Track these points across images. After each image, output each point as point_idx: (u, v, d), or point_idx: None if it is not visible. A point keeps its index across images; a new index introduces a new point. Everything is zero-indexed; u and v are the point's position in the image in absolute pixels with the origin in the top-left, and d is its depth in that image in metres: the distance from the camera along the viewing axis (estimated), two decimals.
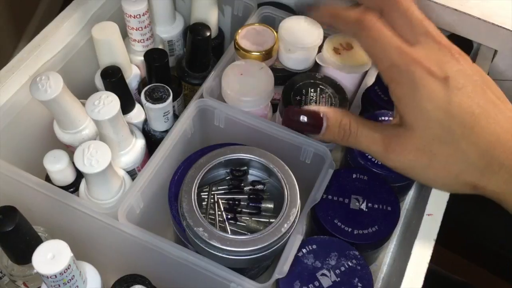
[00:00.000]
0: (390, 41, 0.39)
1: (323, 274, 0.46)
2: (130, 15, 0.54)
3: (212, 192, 0.46)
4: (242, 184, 0.47)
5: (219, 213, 0.45)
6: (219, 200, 0.46)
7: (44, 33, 0.52)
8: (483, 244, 0.80)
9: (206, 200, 0.46)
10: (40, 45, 0.52)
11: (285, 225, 0.42)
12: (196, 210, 0.42)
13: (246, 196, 0.46)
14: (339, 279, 0.45)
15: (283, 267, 0.42)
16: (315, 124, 0.44)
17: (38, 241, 0.43)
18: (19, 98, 0.49)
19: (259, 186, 0.46)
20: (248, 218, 0.45)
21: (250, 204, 0.45)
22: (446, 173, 0.39)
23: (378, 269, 0.56)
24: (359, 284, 0.45)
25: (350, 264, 0.46)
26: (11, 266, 0.44)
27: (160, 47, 0.60)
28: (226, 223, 0.45)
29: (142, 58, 0.55)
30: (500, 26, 0.53)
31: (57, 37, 0.53)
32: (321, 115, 0.43)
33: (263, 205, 0.45)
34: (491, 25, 0.53)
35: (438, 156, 0.38)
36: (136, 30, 0.55)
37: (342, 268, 0.46)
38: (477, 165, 0.38)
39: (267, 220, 0.45)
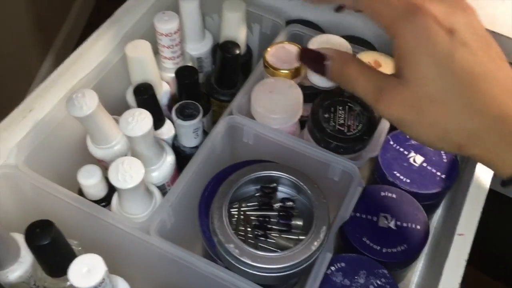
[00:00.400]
0: None
1: None
2: (162, 33, 0.55)
3: (242, 209, 0.47)
4: (272, 201, 0.47)
5: (249, 229, 0.45)
6: (249, 216, 0.46)
7: (79, 50, 0.54)
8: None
9: (236, 216, 0.46)
10: (75, 62, 0.53)
11: (315, 243, 0.42)
12: (227, 226, 0.42)
13: (276, 213, 0.46)
14: None
15: (312, 285, 0.42)
16: (318, 68, 0.44)
17: (72, 254, 0.43)
18: (55, 114, 0.51)
19: (289, 203, 0.46)
20: (277, 235, 0.46)
21: (280, 221, 0.46)
22: (433, 131, 0.38)
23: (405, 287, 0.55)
24: None
25: (379, 283, 0.46)
26: (45, 278, 0.45)
27: (190, 64, 0.61)
28: (256, 240, 0.45)
29: (172, 75, 0.56)
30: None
31: (91, 55, 0.54)
32: (325, 59, 0.43)
33: (293, 222, 0.46)
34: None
35: (427, 114, 0.37)
36: (167, 48, 0.57)
37: (371, 287, 0.46)
38: (467, 126, 0.36)
39: (297, 237, 0.45)
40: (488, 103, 0.36)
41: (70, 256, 0.43)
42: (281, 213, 0.46)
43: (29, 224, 0.41)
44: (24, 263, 0.46)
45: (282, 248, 0.44)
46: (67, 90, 0.52)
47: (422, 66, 0.36)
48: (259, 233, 0.45)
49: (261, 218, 0.46)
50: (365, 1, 0.39)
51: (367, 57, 0.55)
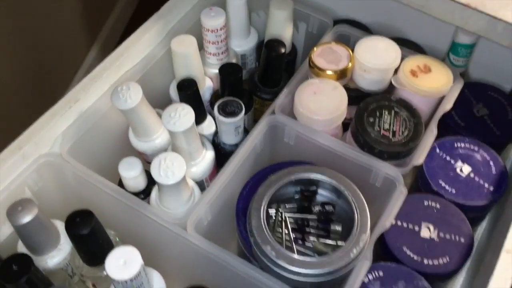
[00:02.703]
0: None
1: None
2: (208, 29, 0.55)
3: (280, 211, 0.46)
4: (311, 204, 0.46)
5: (287, 232, 0.45)
6: (287, 219, 0.45)
7: (126, 44, 0.55)
8: None
9: (273, 218, 0.46)
10: (122, 55, 0.53)
11: (354, 251, 0.41)
12: (264, 227, 0.42)
13: (315, 217, 0.45)
14: None
15: None
16: None
17: (110, 245, 0.44)
18: (99, 106, 0.51)
19: (329, 208, 0.45)
20: (315, 239, 0.45)
21: (319, 226, 0.45)
22: None
23: None
24: None
25: None
26: (82, 267, 0.46)
27: (234, 60, 0.61)
28: (293, 243, 0.44)
29: (216, 71, 0.56)
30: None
31: (137, 48, 0.55)
32: None
33: (331, 227, 0.45)
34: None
35: None
36: (213, 44, 0.56)
37: None
38: None
39: (335, 243, 0.44)
40: None
41: (108, 246, 0.44)
42: (320, 217, 0.45)
43: (70, 212, 0.42)
44: (63, 250, 0.46)
45: (320, 253, 0.43)
46: (113, 82, 0.53)
47: None
48: (297, 237, 0.44)
49: (299, 221, 0.45)
50: None
51: (416, 61, 0.54)
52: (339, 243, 0.44)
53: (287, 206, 0.47)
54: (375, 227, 0.45)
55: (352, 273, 0.42)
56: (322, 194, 0.48)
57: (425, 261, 0.47)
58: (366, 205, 0.44)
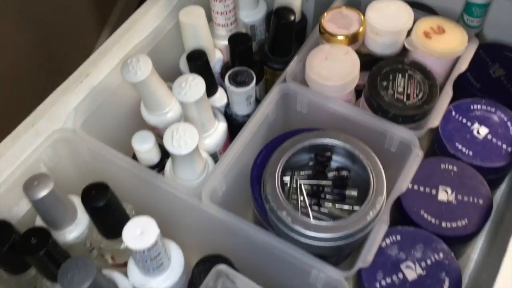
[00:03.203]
0: None
1: (407, 266, 0.44)
2: None
3: (295, 177, 0.46)
4: (326, 170, 0.46)
5: (302, 198, 0.44)
6: (302, 185, 0.45)
7: (133, 17, 0.54)
8: None
9: (288, 184, 0.46)
10: (130, 29, 0.53)
11: (371, 213, 0.41)
12: (279, 193, 0.42)
13: (330, 182, 0.45)
14: (425, 272, 0.44)
15: (367, 256, 0.41)
16: None
17: (126, 217, 0.44)
18: (110, 80, 0.51)
19: (344, 172, 0.45)
20: (331, 204, 0.44)
21: (335, 191, 0.44)
22: None
23: (464, 265, 0.53)
24: (447, 279, 0.43)
25: (437, 258, 0.44)
26: (100, 240, 0.46)
27: (243, 31, 0.60)
28: (309, 208, 0.44)
29: (226, 42, 0.55)
30: None
31: (146, 21, 0.54)
32: None
33: (347, 192, 0.44)
34: None
35: None
36: (221, 14, 0.56)
37: (429, 262, 0.44)
38: None
39: (350, 208, 0.44)
40: None
41: (124, 218, 0.44)
42: (335, 183, 0.44)
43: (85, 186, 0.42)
44: (80, 224, 0.47)
45: (335, 219, 0.43)
46: (122, 56, 0.52)
47: None
48: (312, 202, 0.44)
49: (314, 187, 0.44)
50: None
51: (429, 22, 0.52)
52: (355, 208, 0.43)
53: (302, 173, 0.46)
54: (391, 192, 0.45)
55: (369, 237, 0.42)
56: (337, 160, 0.47)
57: (443, 224, 0.46)
58: (381, 168, 0.43)
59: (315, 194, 0.44)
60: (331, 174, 0.46)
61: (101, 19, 1.36)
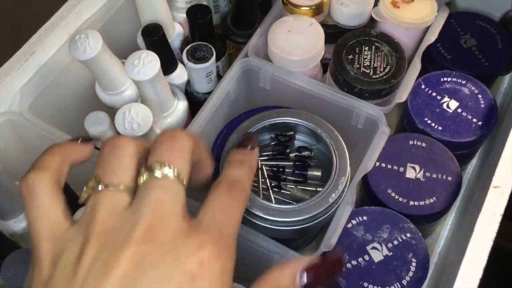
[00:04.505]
0: None
1: (373, 248, 0.42)
2: None
3: None
4: (288, 150, 0.44)
5: (263, 180, 0.42)
6: (263, 166, 0.43)
7: None
8: None
9: None
10: (80, 2, 0.49)
11: (333, 195, 0.39)
12: None
13: (292, 163, 0.43)
14: (391, 253, 0.42)
15: (331, 239, 0.39)
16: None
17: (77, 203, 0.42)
18: (59, 58, 0.48)
19: (306, 153, 0.43)
20: (293, 186, 0.42)
21: (296, 172, 0.42)
22: None
23: (434, 242, 0.52)
24: (414, 260, 0.42)
25: (404, 238, 0.43)
26: None
27: (204, 3, 0.57)
28: (270, 191, 0.42)
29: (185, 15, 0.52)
30: None
31: None
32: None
33: (309, 172, 0.42)
34: None
35: None
36: None
37: (395, 242, 0.43)
38: None
39: (314, 189, 0.42)
40: None
41: (76, 203, 0.41)
42: (297, 163, 0.42)
43: None
44: None
45: (299, 201, 0.41)
46: (72, 32, 0.49)
47: None
48: (273, 184, 0.42)
49: (275, 168, 0.42)
50: None
51: None
52: (319, 189, 0.41)
53: (263, 153, 0.44)
54: (357, 171, 0.43)
55: (334, 219, 0.40)
56: (300, 139, 0.45)
57: (411, 203, 0.44)
58: (345, 147, 0.41)
59: (276, 176, 0.42)
60: (293, 155, 0.43)
61: None
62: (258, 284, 0.26)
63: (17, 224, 0.44)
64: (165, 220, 0.24)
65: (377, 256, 0.42)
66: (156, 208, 0.24)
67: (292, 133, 0.44)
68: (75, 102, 0.51)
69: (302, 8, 0.49)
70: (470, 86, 0.50)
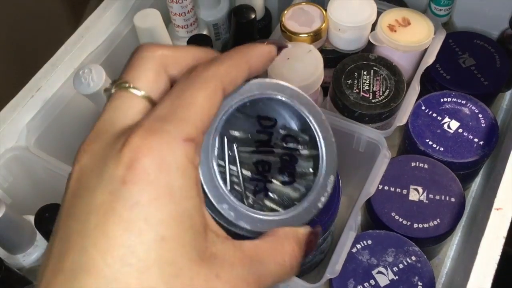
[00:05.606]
0: None
1: (379, 272, 0.43)
2: (172, 0, 0.52)
3: (233, 153, 0.33)
4: (272, 142, 0.34)
5: (242, 176, 0.32)
6: (243, 164, 0.33)
7: (86, 24, 0.52)
8: None
9: (226, 166, 0.32)
10: (83, 37, 0.51)
11: (322, 199, 0.32)
12: (218, 184, 0.29)
13: (278, 158, 0.34)
14: (397, 277, 0.42)
15: (335, 266, 0.40)
16: None
17: None
18: (64, 92, 0.49)
19: (292, 144, 0.34)
20: (280, 185, 0.35)
21: (284, 172, 0.33)
22: None
23: (441, 263, 0.52)
24: (419, 283, 0.42)
25: (409, 261, 0.43)
26: None
27: (205, 31, 0.58)
28: (252, 196, 0.34)
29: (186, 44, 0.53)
30: None
31: (99, 28, 0.52)
32: None
33: (298, 169, 0.33)
34: None
35: None
36: (179, 16, 0.53)
37: (401, 266, 0.43)
38: None
39: (304, 187, 0.35)
40: None
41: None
42: (283, 157, 0.34)
43: (38, 208, 0.40)
44: (40, 246, 0.45)
45: (286, 198, 0.34)
46: (76, 66, 0.50)
47: None
48: (257, 189, 0.32)
49: (260, 166, 0.33)
50: None
51: (394, 14, 0.50)
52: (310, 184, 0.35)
53: (242, 147, 0.36)
54: (359, 196, 0.43)
55: (338, 245, 0.41)
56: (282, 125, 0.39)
57: (415, 225, 0.45)
58: (332, 136, 0.32)
59: (263, 177, 0.33)
60: (278, 149, 0.36)
61: (75, 18, 1.33)
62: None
63: (26, 258, 0.44)
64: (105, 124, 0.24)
65: (383, 281, 0.42)
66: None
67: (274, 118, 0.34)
68: (80, 134, 0.51)
69: (301, 35, 0.50)
70: (470, 105, 0.50)
